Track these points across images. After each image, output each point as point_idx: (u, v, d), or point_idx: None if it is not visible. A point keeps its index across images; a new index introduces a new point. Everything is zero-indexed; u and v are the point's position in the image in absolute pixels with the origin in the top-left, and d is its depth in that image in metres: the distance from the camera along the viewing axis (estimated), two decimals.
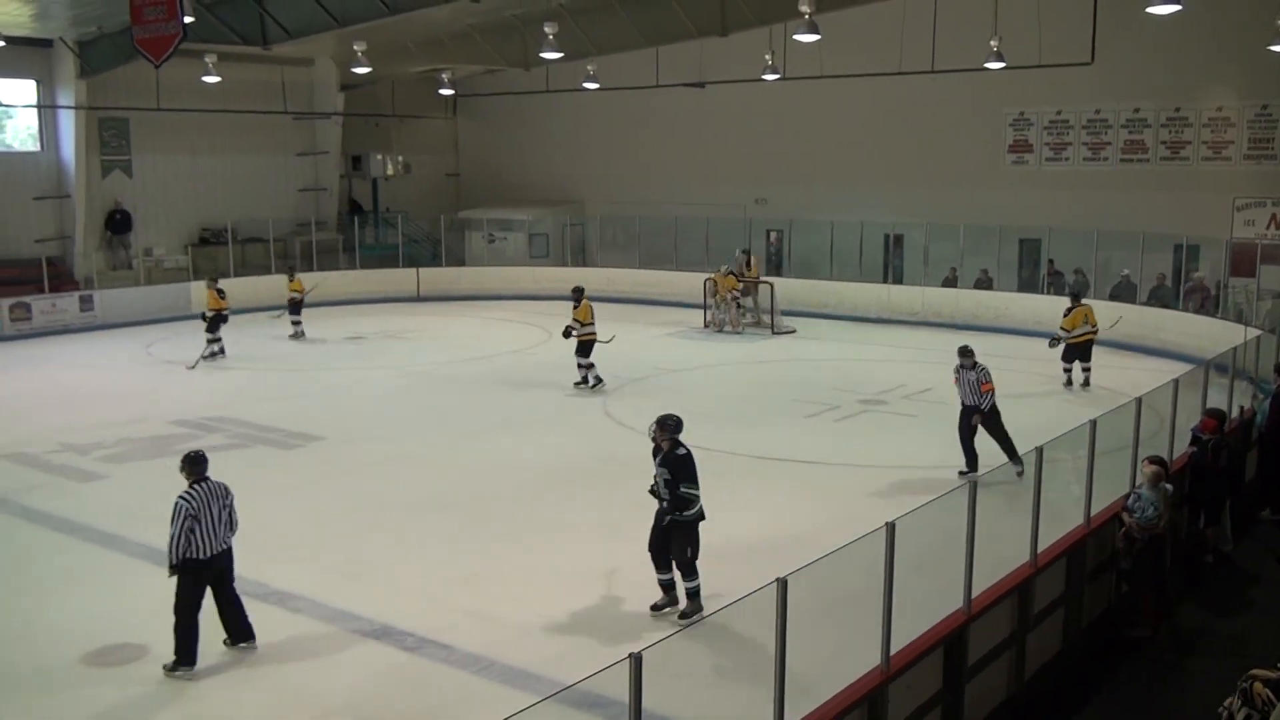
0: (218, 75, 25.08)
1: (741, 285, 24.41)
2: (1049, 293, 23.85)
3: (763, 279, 25.21)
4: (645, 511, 11.90)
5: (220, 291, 21.07)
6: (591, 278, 29.24)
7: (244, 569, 10.13)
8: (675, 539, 9.17)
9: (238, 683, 8.20)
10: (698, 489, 9.14)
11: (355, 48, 24.60)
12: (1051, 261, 24.06)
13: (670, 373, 19.77)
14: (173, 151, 28.56)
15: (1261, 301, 20.29)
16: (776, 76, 23.97)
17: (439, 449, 14.65)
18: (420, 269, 30.10)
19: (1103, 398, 17.24)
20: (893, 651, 6.85)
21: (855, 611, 7.56)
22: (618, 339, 18.83)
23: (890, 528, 6.82)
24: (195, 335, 23.17)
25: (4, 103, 26.27)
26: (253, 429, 15.74)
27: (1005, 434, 12.94)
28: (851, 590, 7.65)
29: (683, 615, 9.10)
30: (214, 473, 10.95)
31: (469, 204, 34.18)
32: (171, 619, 8.22)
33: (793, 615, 6.03)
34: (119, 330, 24.60)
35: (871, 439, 15.15)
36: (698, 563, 9.17)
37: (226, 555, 8.46)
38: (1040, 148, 25.72)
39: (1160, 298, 22.17)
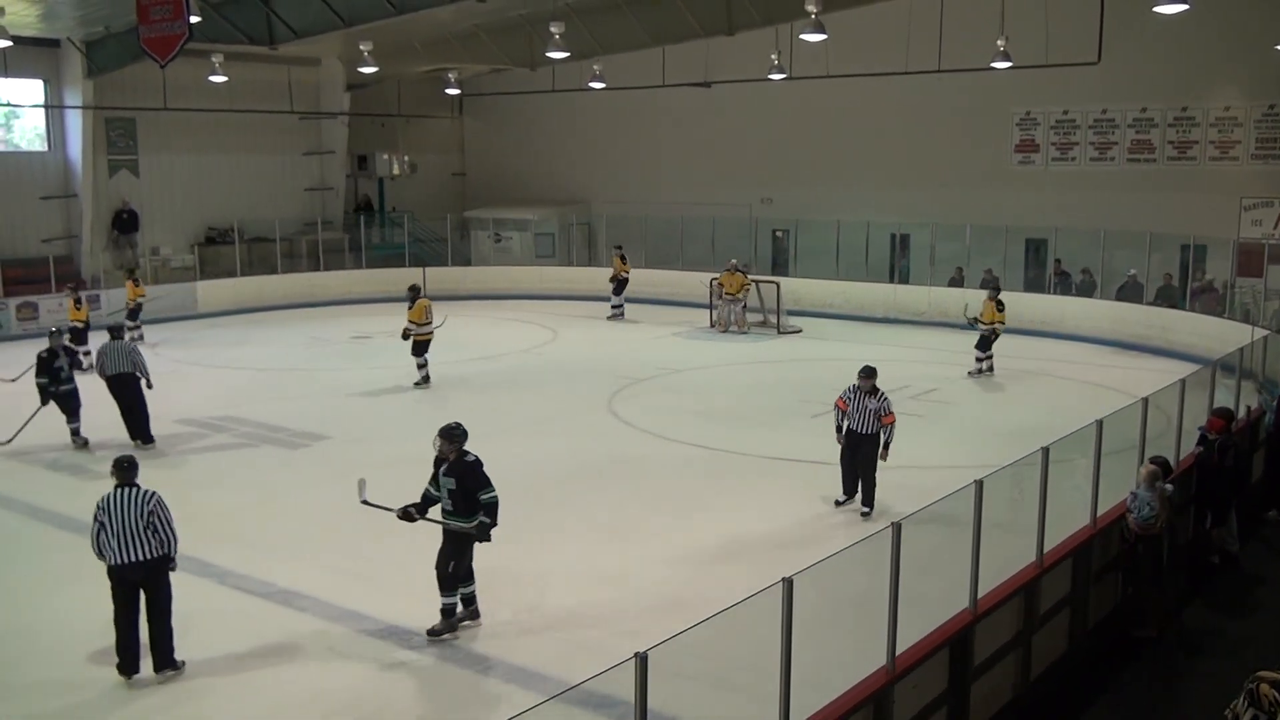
0: (224, 75, 25.13)
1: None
2: (1055, 293, 23.83)
3: (767, 279, 25.18)
4: (653, 510, 11.95)
5: (79, 301, 20.77)
6: (597, 278, 29.32)
7: (250, 567, 10.23)
8: (445, 547, 8.85)
9: (243, 682, 8.21)
10: (495, 489, 8.84)
11: (361, 47, 24.64)
12: (1059, 261, 24.03)
13: (675, 372, 19.77)
14: (179, 151, 28.60)
15: (1269, 302, 20.25)
16: (783, 76, 23.97)
17: None
18: (426, 268, 30.09)
19: (1087, 393, 17.24)
20: (898, 652, 6.85)
21: (861, 612, 7.56)
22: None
23: (896, 528, 6.82)
24: (201, 334, 23.22)
25: (11, 103, 26.34)
26: (259, 428, 15.76)
27: (875, 470, 11.83)
28: (857, 590, 7.65)
29: (431, 632, 8.69)
30: (220, 471, 11.00)
31: (475, 204, 34.20)
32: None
33: (798, 615, 6.04)
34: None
35: None
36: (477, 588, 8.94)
37: (143, 569, 8.05)
38: (1047, 147, 25.69)
39: (1167, 298, 22.12)
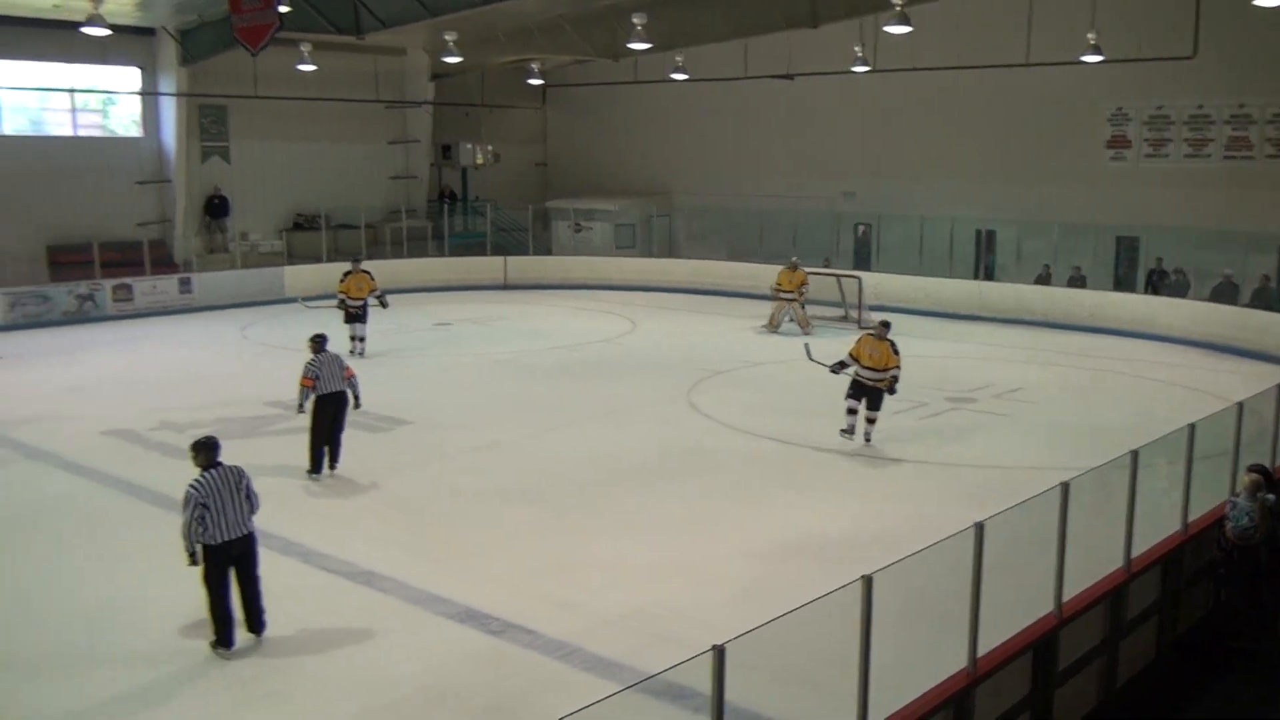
0: (313, 64, 25.52)
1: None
2: (1148, 292, 23.25)
3: (848, 274, 24.91)
4: (729, 503, 11.94)
5: None
6: (677, 269, 29.35)
7: (333, 548, 10.42)
8: None
9: (325, 659, 8.36)
10: None
11: (446, 37, 24.88)
12: (1160, 260, 23.36)
13: (755, 365, 19.69)
14: (269, 138, 29.16)
15: None
16: (866, 69, 23.71)
17: (524, 437, 14.76)
18: (507, 257, 30.36)
19: (1178, 395, 16.80)
20: (980, 654, 6.76)
21: (941, 612, 7.47)
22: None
23: (979, 528, 6.73)
24: (287, 318, 23.56)
25: (109, 89, 27.07)
26: None
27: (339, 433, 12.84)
28: (938, 590, 7.56)
29: None
30: (305, 453, 11.16)
31: (556, 193, 34.39)
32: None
33: (877, 614, 5.99)
34: (216, 312, 25.24)
35: (959, 438, 14.92)
36: None
37: (246, 540, 8.40)
38: (1139, 144, 25.06)
39: (1263, 300, 21.47)
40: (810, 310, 23.19)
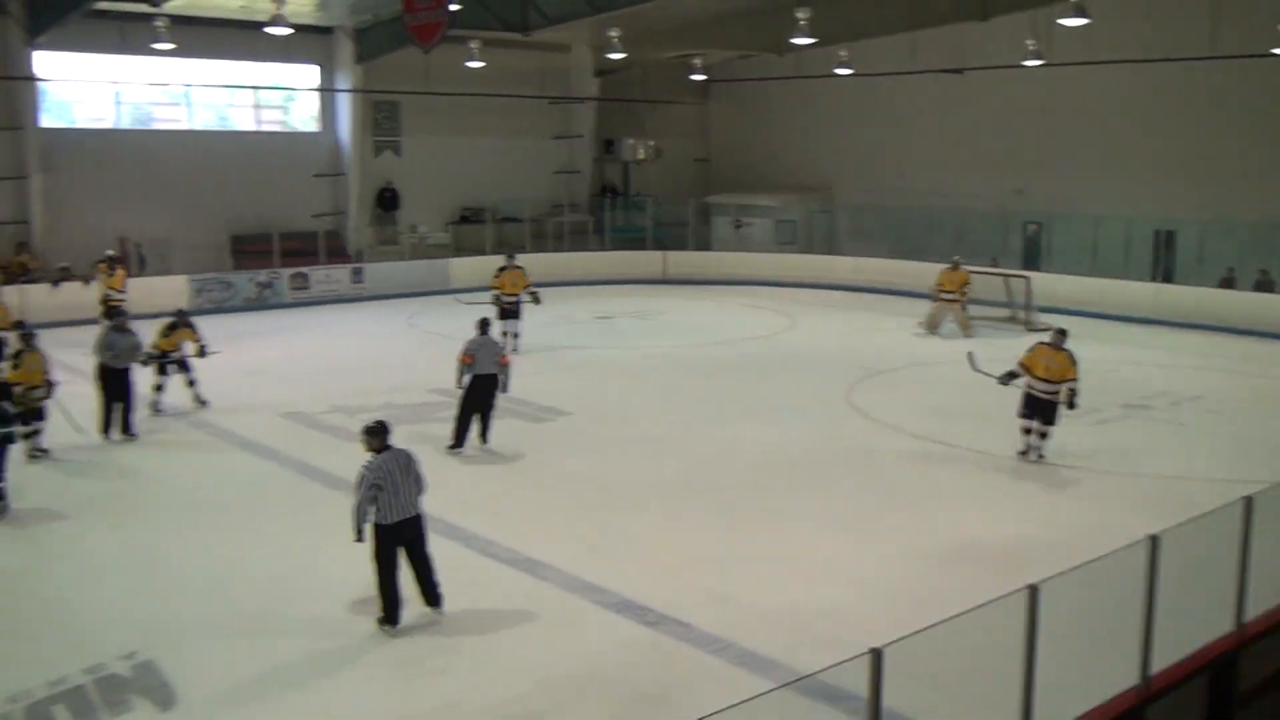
0: (481, 60, 26.14)
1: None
2: None
3: (1016, 273, 24.16)
4: (890, 505, 11.75)
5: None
6: (838, 266, 29.01)
7: (498, 535, 10.68)
8: None
9: (486, 642, 8.55)
10: None
11: (610, 34, 25.15)
12: None
13: (916, 366, 19.32)
14: (438, 133, 30.00)
15: None
16: (1040, 62, 22.96)
17: (682, 431, 14.82)
18: (667, 252, 30.52)
19: None
20: (1152, 671, 6.50)
21: (1111, 627, 7.21)
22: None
23: (1153, 541, 6.47)
24: (453, 308, 24.15)
25: (290, 86, 28.31)
26: (504, 401, 16.29)
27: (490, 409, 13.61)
28: (1108, 603, 7.30)
29: None
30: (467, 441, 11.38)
31: (717, 189, 34.36)
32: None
33: (1044, 625, 5.82)
34: (385, 301, 26.13)
35: (1134, 447, 14.31)
36: None
37: (415, 522, 8.65)
38: None
39: None
40: (974, 310, 22.50)
